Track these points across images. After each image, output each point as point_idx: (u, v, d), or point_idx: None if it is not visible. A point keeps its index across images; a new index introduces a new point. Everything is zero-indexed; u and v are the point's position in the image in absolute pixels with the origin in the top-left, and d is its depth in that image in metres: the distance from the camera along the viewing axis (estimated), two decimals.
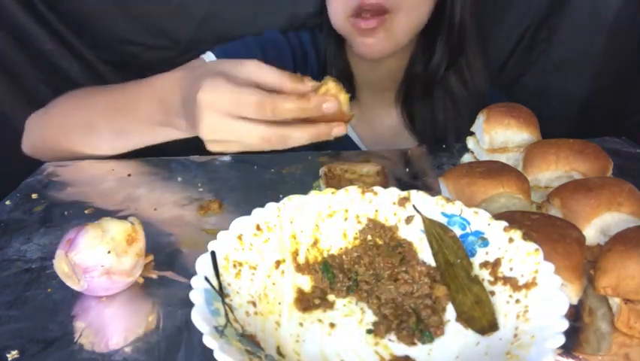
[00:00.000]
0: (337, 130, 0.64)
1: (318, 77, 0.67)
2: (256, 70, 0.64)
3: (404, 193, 0.61)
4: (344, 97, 0.63)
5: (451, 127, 1.10)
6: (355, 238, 0.61)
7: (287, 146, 0.63)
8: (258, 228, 0.57)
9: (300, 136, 0.62)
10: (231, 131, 0.62)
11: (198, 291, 0.48)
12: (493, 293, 0.52)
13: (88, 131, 0.90)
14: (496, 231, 0.55)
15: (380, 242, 0.60)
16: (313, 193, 0.61)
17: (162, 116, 0.78)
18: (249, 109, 0.60)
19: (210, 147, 0.67)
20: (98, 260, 0.57)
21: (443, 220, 0.58)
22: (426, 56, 1.07)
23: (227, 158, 0.95)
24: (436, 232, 0.58)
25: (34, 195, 0.82)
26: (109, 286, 0.59)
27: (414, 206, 0.60)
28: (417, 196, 0.60)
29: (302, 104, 0.60)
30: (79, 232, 0.58)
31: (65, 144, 0.93)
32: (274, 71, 0.64)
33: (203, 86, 0.62)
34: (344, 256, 0.60)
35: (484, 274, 0.54)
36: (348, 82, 1.10)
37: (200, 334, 0.42)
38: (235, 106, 0.61)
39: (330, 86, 0.62)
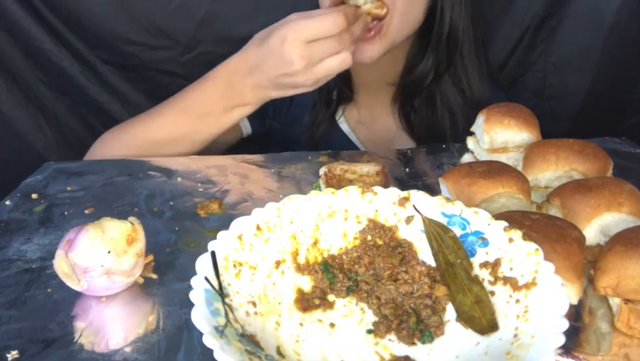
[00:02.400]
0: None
1: None
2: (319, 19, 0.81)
3: (404, 193, 0.61)
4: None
5: (448, 131, 1.10)
6: (355, 238, 0.61)
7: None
8: (258, 228, 0.57)
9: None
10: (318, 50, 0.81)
11: (198, 291, 0.48)
12: (493, 293, 0.52)
13: (165, 147, 0.96)
14: (496, 231, 0.55)
15: (380, 242, 0.60)
16: (313, 193, 0.61)
17: (229, 100, 0.90)
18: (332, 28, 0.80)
19: (278, 92, 0.87)
20: (97, 260, 0.57)
21: (443, 220, 0.58)
22: (419, 59, 1.06)
23: (227, 157, 0.95)
24: (436, 231, 0.58)
25: (34, 195, 0.82)
26: (109, 286, 0.59)
27: (414, 206, 0.60)
28: (417, 196, 0.60)
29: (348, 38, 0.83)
30: (79, 232, 0.58)
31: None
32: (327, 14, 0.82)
33: (284, 27, 0.82)
34: (344, 256, 0.60)
35: (484, 274, 0.54)
36: (345, 83, 1.10)
37: (200, 334, 0.43)
38: (316, 32, 0.80)
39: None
